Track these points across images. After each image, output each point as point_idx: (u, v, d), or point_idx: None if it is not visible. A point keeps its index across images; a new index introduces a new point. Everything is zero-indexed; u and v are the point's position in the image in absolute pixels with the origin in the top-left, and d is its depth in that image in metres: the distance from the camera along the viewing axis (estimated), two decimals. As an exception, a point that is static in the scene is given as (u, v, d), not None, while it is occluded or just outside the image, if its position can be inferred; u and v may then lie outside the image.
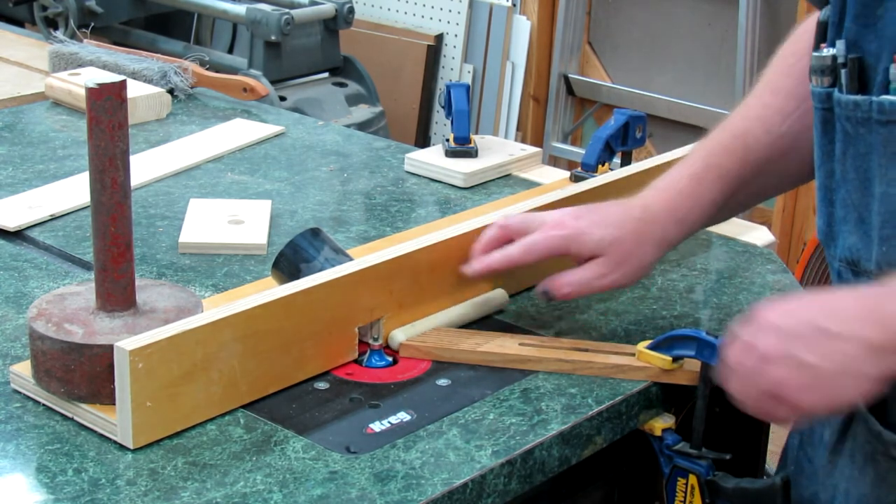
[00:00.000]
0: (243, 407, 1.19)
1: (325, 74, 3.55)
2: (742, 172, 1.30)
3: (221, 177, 1.82)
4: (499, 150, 1.88)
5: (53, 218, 1.64)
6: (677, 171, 1.33)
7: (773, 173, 1.32)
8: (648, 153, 3.28)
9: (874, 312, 1.01)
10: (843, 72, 1.06)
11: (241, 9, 3.37)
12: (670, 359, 1.26)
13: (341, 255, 1.33)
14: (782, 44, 1.33)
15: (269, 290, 1.21)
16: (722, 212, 1.34)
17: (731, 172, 1.30)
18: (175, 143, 1.95)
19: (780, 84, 1.29)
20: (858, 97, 1.05)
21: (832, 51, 1.06)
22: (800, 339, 1.01)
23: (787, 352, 1.01)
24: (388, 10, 3.93)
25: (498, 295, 1.41)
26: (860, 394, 1.01)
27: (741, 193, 1.32)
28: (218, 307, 1.17)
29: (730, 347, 1.07)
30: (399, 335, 1.31)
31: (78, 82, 2.06)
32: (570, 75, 3.69)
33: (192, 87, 2.17)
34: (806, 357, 1.00)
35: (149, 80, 2.12)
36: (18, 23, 3.58)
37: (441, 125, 3.87)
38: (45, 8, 3.58)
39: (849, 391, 1.01)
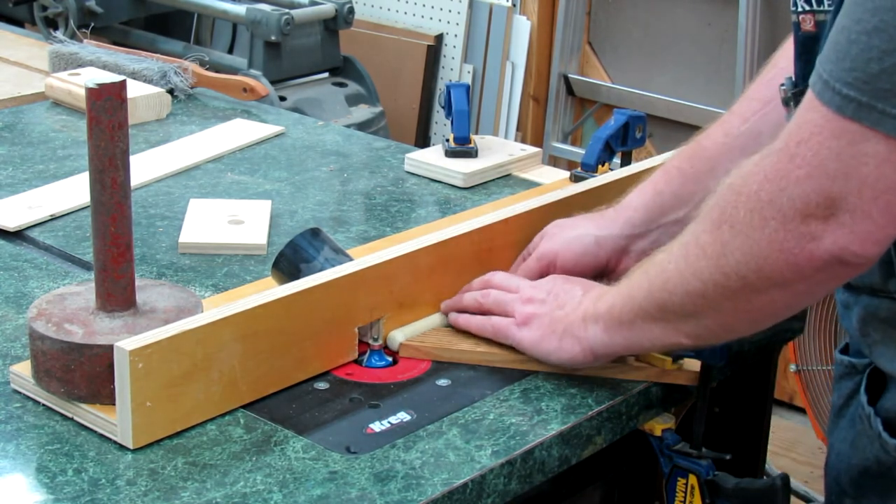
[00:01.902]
0: (243, 407, 1.19)
1: (325, 74, 3.54)
2: (693, 167, 1.37)
3: (221, 177, 1.82)
4: (499, 150, 1.88)
5: (53, 218, 1.64)
6: None
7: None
8: (648, 153, 3.28)
9: (597, 287, 1.26)
10: (792, 104, 1.18)
11: (241, 9, 3.36)
12: (670, 359, 1.26)
13: (341, 255, 1.33)
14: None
15: (269, 290, 1.21)
16: (675, 202, 1.38)
17: (678, 167, 1.38)
18: (175, 143, 1.95)
19: (750, 90, 1.38)
20: None
21: (784, 86, 1.20)
22: (551, 294, 1.26)
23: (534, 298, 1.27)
24: (388, 10, 3.93)
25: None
26: (575, 355, 1.22)
27: (699, 189, 1.35)
28: (218, 307, 1.17)
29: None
30: (399, 335, 1.31)
31: (78, 82, 2.06)
32: (570, 75, 3.68)
33: (192, 87, 2.17)
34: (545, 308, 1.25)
35: (149, 80, 2.12)
36: (18, 23, 3.58)
37: (441, 125, 3.87)
38: (45, 8, 3.58)
39: (566, 350, 1.22)
